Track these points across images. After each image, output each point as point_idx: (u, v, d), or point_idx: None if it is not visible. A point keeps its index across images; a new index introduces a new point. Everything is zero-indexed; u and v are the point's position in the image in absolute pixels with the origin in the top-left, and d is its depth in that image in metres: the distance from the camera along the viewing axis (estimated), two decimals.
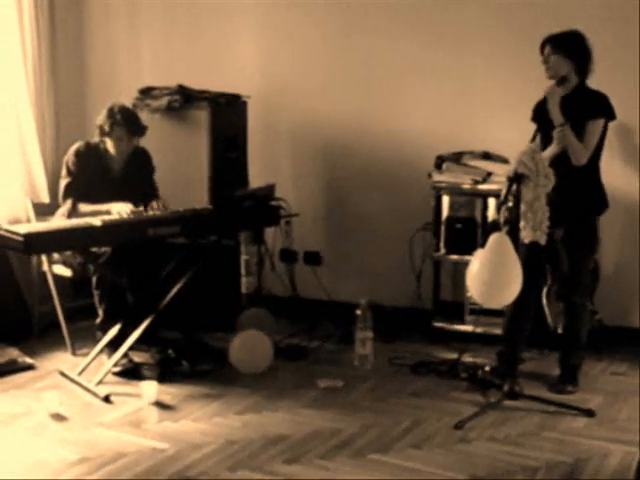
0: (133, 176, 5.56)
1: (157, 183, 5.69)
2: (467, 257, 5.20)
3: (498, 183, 5.44)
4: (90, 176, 5.43)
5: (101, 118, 5.38)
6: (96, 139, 5.49)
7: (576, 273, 5.00)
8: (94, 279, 5.31)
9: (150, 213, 5.22)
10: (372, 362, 5.43)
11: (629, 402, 4.89)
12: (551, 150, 4.87)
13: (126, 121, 5.37)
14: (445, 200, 5.84)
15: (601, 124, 4.84)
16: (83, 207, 5.33)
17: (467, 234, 5.76)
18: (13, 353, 5.48)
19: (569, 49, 4.85)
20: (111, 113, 5.36)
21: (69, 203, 5.37)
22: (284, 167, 6.60)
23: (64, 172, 5.47)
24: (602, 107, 4.85)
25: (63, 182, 5.46)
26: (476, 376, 5.18)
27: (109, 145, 5.41)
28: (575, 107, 4.83)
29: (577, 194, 4.90)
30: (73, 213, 5.32)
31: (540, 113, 4.93)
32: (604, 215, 5.00)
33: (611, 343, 5.66)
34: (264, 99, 6.43)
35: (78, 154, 5.45)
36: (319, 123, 6.47)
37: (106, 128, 5.35)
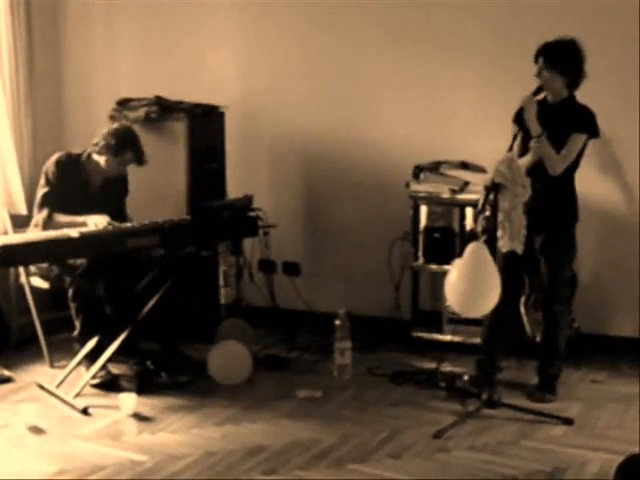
0: (111, 193, 5.55)
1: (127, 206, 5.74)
2: (445, 267, 5.22)
3: (476, 192, 5.45)
4: (69, 188, 5.39)
5: (111, 135, 5.32)
6: (77, 150, 5.48)
7: (555, 281, 5.02)
8: (71, 291, 5.28)
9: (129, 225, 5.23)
10: (351, 372, 5.42)
11: (607, 410, 4.91)
12: (527, 159, 4.90)
13: (137, 149, 5.37)
14: (423, 210, 5.86)
15: (583, 139, 4.87)
16: (59, 217, 5.30)
17: (445, 244, 5.77)
18: None
19: (562, 65, 4.83)
20: (127, 136, 5.37)
21: (45, 212, 5.33)
22: (262, 178, 6.59)
23: (43, 181, 5.43)
24: (588, 124, 4.88)
25: (41, 191, 5.42)
26: (455, 385, 5.19)
27: (104, 161, 5.36)
28: (562, 118, 4.86)
29: (555, 203, 4.94)
30: (49, 223, 5.29)
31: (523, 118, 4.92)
32: (581, 224, 5.03)
33: (589, 351, 5.68)
34: (242, 110, 6.42)
35: (58, 164, 5.40)
36: (297, 134, 6.47)
37: (116, 148, 5.30)
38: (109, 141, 5.31)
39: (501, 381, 5.10)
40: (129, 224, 5.27)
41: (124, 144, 5.33)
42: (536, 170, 4.85)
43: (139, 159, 5.41)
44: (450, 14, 5.96)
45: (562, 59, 4.84)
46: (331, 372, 5.45)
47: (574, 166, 4.93)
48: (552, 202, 4.93)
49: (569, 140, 4.83)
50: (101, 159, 5.38)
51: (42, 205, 5.38)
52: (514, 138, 4.72)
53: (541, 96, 4.91)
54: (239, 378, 5.34)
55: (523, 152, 4.94)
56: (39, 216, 5.36)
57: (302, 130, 6.45)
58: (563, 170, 4.85)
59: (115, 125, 5.51)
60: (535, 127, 4.82)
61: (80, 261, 5.18)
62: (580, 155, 4.92)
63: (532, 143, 4.85)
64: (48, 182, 5.41)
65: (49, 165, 5.43)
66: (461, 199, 5.73)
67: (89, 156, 5.44)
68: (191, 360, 5.55)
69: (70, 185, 5.41)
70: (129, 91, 6.33)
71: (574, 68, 4.86)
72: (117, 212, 5.47)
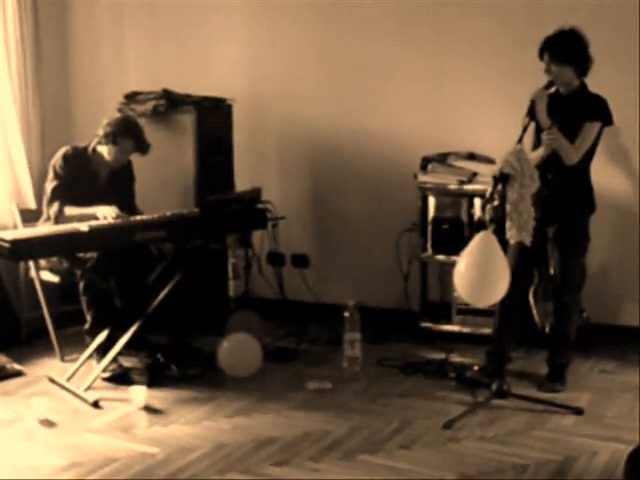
0: (119, 183, 5.58)
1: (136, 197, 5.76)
2: (454, 257, 5.21)
3: (483, 183, 5.45)
4: (77, 181, 5.43)
5: (110, 125, 5.35)
6: (83, 144, 5.51)
7: (567, 272, 5.02)
8: (81, 284, 5.30)
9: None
10: (361, 363, 5.42)
11: (617, 400, 4.91)
12: (539, 152, 4.90)
13: (137, 137, 5.40)
14: (431, 201, 5.86)
15: (597, 127, 4.86)
16: (69, 210, 5.33)
17: (453, 234, 5.77)
18: (1, 359, 5.45)
19: (569, 56, 4.82)
20: (125, 124, 5.39)
21: (56, 206, 5.35)
22: (270, 170, 6.60)
23: (51, 175, 5.46)
24: (601, 111, 4.87)
25: (50, 185, 5.45)
26: (464, 376, 5.20)
27: (106, 152, 5.40)
28: (575, 109, 4.86)
29: (569, 194, 4.94)
30: (60, 216, 5.32)
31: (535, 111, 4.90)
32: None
33: (598, 341, 5.68)
34: (249, 102, 6.43)
35: (66, 158, 5.44)
36: (305, 126, 6.48)
37: (115, 137, 5.33)
38: (108, 130, 5.35)
39: (511, 371, 5.09)
40: (138, 217, 5.29)
41: (123, 132, 5.35)
42: (550, 162, 4.85)
43: (141, 147, 5.43)
44: (458, 6, 5.95)
45: (568, 50, 4.83)
46: (341, 363, 5.45)
47: (589, 156, 4.92)
48: (566, 192, 4.93)
49: (583, 129, 4.82)
50: (104, 150, 5.41)
51: (52, 199, 5.41)
52: (524, 130, 4.69)
53: (553, 89, 4.90)
54: (249, 370, 5.35)
55: (536, 145, 4.95)
56: (50, 210, 5.39)
57: (310, 122, 6.45)
58: (579, 160, 4.85)
59: (115, 115, 5.54)
60: (544, 120, 4.81)
61: (90, 254, 5.20)
62: (595, 144, 4.91)
63: (543, 136, 4.84)
64: (57, 176, 5.44)
65: (56, 159, 5.46)
66: (469, 190, 5.73)
67: (94, 148, 5.47)
68: (201, 353, 5.57)
69: (78, 178, 5.44)
70: (137, 84, 6.35)
71: (581, 56, 4.85)
72: (126, 202, 5.50)
